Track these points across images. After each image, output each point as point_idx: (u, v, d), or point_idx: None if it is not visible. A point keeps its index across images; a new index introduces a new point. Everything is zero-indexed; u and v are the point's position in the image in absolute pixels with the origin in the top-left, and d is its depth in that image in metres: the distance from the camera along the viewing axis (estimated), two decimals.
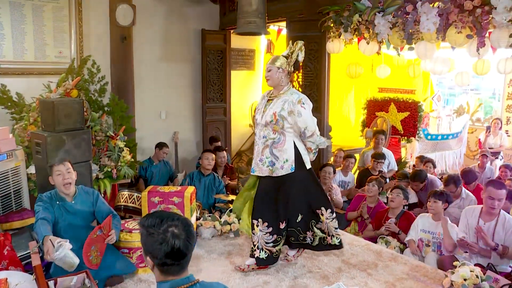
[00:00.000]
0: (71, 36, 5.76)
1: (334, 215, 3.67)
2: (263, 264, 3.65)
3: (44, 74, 5.47)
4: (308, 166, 3.61)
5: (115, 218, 3.50)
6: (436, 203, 4.07)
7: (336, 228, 3.66)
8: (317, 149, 3.68)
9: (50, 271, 3.18)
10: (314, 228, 3.64)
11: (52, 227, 3.19)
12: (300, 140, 3.58)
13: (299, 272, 3.63)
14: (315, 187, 3.67)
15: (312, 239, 3.65)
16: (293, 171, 3.51)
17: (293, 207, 3.60)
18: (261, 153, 3.56)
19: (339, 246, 3.70)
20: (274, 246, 3.60)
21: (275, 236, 3.59)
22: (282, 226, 3.61)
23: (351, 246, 4.20)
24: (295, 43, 3.62)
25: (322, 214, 3.61)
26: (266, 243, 3.58)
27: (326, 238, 3.65)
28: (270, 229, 3.57)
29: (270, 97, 3.64)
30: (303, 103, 3.48)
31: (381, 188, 5.02)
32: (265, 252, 3.59)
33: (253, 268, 3.66)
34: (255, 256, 3.64)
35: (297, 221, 3.63)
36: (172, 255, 1.70)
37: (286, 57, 3.60)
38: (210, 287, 1.89)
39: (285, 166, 3.49)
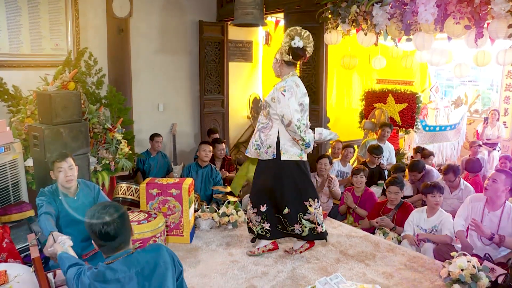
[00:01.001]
0: (68, 28, 5.72)
1: (320, 203, 3.75)
2: (260, 238, 3.83)
3: (40, 67, 5.45)
4: (284, 157, 3.59)
5: None
6: (440, 198, 4.10)
7: (321, 215, 3.75)
8: (307, 143, 3.55)
9: (49, 263, 3.18)
10: (303, 220, 3.64)
11: (55, 221, 3.19)
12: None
13: (297, 263, 3.65)
14: (302, 178, 3.68)
15: (301, 230, 3.66)
16: (274, 157, 3.59)
17: (279, 199, 3.66)
18: (253, 136, 3.72)
19: (326, 233, 3.76)
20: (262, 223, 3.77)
21: (260, 216, 3.73)
22: (263, 209, 3.70)
23: (349, 237, 4.21)
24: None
25: (310, 205, 3.65)
26: (257, 221, 3.77)
27: (316, 227, 3.67)
28: (255, 209, 3.75)
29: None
30: (284, 91, 3.48)
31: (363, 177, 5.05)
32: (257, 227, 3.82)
33: (263, 251, 3.83)
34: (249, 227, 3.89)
35: (284, 213, 3.66)
36: (102, 237, 2.07)
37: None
38: (143, 252, 2.15)
39: (268, 151, 3.60)
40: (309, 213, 3.63)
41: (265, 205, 3.69)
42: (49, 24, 5.60)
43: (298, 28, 3.55)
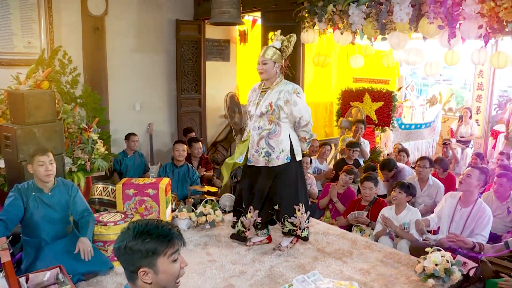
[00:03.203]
0: (41, 25, 5.60)
1: (305, 208, 3.78)
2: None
3: (12, 65, 5.32)
4: (299, 157, 3.71)
5: (90, 217, 3.44)
6: (401, 194, 4.15)
7: (306, 221, 3.80)
8: (310, 140, 3.76)
9: (21, 267, 3.12)
10: (286, 222, 3.72)
11: (11, 227, 3.16)
12: (294, 131, 3.68)
13: (275, 261, 3.66)
14: (301, 180, 3.76)
15: (282, 228, 3.79)
16: (289, 161, 3.62)
17: (273, 198, 3.72)
18: (256, 144, 3.62)
19: (305, 239, 3.84)
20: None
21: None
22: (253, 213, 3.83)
23: (326, 235, 4.24)
24: (289, 36, 3.64)
25: (299, 210, 3.71)
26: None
27: (296, 231, 3.75)
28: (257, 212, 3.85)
29: (263, 88, 3.68)
30: (298, 93, 3.59)
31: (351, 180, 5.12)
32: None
33: (253, 243, 3.93)
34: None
35: (276, 208, 3.73)
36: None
37: (281, 50, 3.63)
38: None
39: (281, 157, 3.59)
40: (295, 217, 3.70)
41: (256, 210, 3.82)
42: (20, 21, 5.45)
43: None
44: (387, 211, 4.27)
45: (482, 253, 3.64)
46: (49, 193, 3.32)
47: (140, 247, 1.63)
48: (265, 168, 3.67)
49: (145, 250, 1.63)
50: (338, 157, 6.81)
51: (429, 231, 4.14)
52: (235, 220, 3.98)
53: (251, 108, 3.69)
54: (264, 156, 3.60)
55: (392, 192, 4.26)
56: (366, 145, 6.56)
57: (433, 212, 4.26)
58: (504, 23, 3.83)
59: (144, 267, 1.64)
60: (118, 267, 3.45)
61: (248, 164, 3.74)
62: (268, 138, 3.58)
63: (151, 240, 1.64)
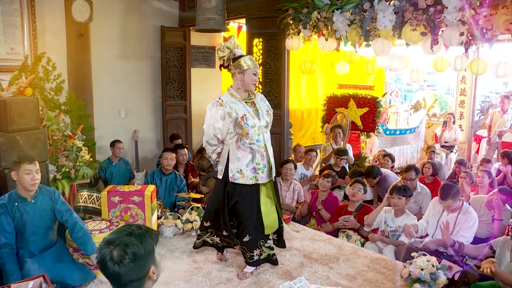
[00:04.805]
0: (24, 31, 5.53)
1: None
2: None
3: None
4: None
5: (82, 229, 3.39)
6: (400, 200, 4.20)
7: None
8: None
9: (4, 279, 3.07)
10: (263, 247, 3.45)
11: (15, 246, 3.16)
12: None
13: (261, 268, 3.64)
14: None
15: (259, 254, 3.45)
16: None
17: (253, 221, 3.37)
18: (269, 154, 3.38)
19: (275, 262, 3.59)
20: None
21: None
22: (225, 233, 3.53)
23: (313, 241, 4.25)
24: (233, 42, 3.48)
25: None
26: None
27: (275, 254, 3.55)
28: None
29: (245, 99, 3.40)
30: None
31: (332, 184, 5.15)
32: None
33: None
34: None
35: (244, 240, 3.40)
36: (105, 275, 1.70)
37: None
38: None
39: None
40: (270, 240, 3.48)
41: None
42: (2, 27, 5.37)
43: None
44: (385, 213, 4.30)
45: (465, 256, 3.69)
46: (32, 201, 3.27)
47: (147, 248, 1.68)
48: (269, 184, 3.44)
49: (149, 249, 1.69)
50: (320, 167, 6.83)
51: (417, 237, 4.17)
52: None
53: (254, 121, 3.31)
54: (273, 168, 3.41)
55: (392, 199, 4.26)
56: (348, 149, 6.60)
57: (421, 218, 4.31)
58: (484, 31, 3.91)
59: (152, 264, 1.72)
60: (102, 276, 3.40)
61: (269, 180, 3.39)
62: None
63: (149, 237, 1.70)
